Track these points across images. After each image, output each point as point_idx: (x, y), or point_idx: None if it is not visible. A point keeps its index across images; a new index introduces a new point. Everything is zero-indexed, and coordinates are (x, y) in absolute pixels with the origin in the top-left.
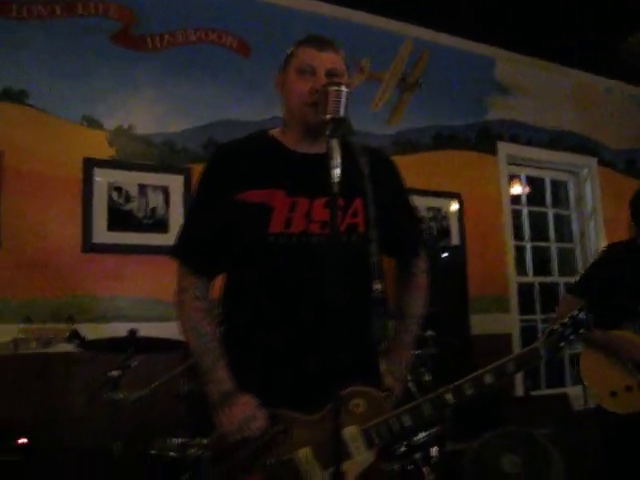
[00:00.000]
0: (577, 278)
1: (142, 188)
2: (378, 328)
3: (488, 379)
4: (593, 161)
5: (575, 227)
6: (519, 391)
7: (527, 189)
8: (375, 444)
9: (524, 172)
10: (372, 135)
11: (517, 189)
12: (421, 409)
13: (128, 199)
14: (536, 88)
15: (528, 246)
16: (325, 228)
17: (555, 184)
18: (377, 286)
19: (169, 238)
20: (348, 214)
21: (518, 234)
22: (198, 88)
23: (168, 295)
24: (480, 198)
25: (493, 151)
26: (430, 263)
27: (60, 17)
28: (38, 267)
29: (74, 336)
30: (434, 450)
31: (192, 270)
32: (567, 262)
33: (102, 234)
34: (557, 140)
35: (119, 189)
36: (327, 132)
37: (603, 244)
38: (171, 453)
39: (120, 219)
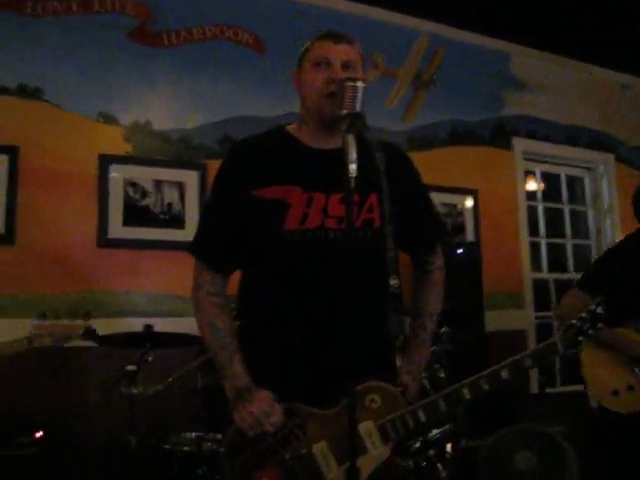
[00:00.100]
0: (585, 273)
1: (158, 184)
2: (394, 323)
3: (505, 374)
4: (610, 157)
5: (591, 224)
6: (534, 388)
7: (542, 185)
8: (391, 439)
9: (540, 168)
10: (387, 131)
11: (532, 185)
12: (437, 404)
13: (144, 195)
14: (552, 84)
15: (543, 242)
16: (341, 223)
17: (571, 180)
18: (393, 281)
19: (185, 234)
20: (364, 210)
21: (533, 230)
22: (214, 84)
23: (183, 290)
24: (495, 194)
25: (508, 147)
26: (445, 259)
27: (76, 13)
28: (54, 262)
29: (89, 333)
30: (448, 446)
31: (208, 266)
32: (583, 259)
33: (118, 229)
34: (573, 136)
35: (135, 185)
36: (343, 127)
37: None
38: (186, 447)
39: (136, 215)
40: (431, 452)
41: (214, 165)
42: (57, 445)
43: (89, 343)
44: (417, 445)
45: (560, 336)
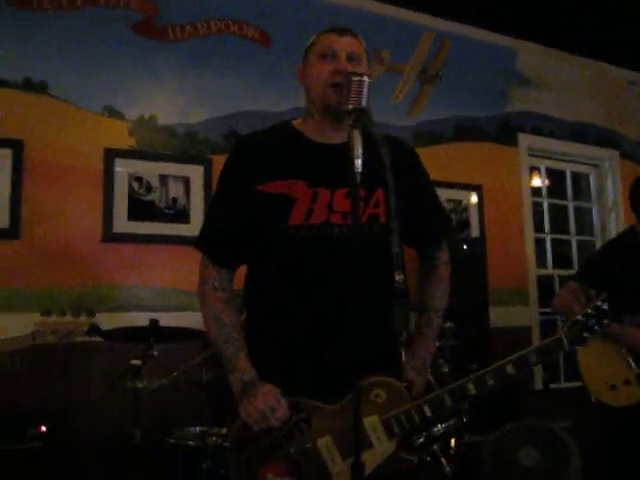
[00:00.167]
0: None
1: (163, 178)
2: (399, 319)
3: (510, 369)
4: (615, 154)
5: (596, 220)
6: (538, 384)
7: (547, 181)
8: (395, 434)
9: (545, 164)
10: (392, 127)
11: (537, 181)
12: (442, 399)
13: (149, 189)
14: (558, 80)
15: (548, 238)
16: (347, 219)
17: (576, 176)
18: (398, 277)
19: (190, 228)
20: (369, 205)
21: (538, 227)
22: (219, 79)
23: (188, 285)
24: (500, 190)
25: (514, 143)
26: (450, 255)
27: (81, 8)
28: (58, 257)
29: (93, 330)
30: (452, 442)
31: (214, 261)
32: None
33: (122, 224)
34: (579, 132)
35: (140, 179)
36: (349, 122)
37: None
38: (190, 442)
39: (141, 209)
40: (435, 447)
41: (219, 160)
42: (62, 439)
43: (94, 338)
44: (421, 440)
45: (566, 332)
